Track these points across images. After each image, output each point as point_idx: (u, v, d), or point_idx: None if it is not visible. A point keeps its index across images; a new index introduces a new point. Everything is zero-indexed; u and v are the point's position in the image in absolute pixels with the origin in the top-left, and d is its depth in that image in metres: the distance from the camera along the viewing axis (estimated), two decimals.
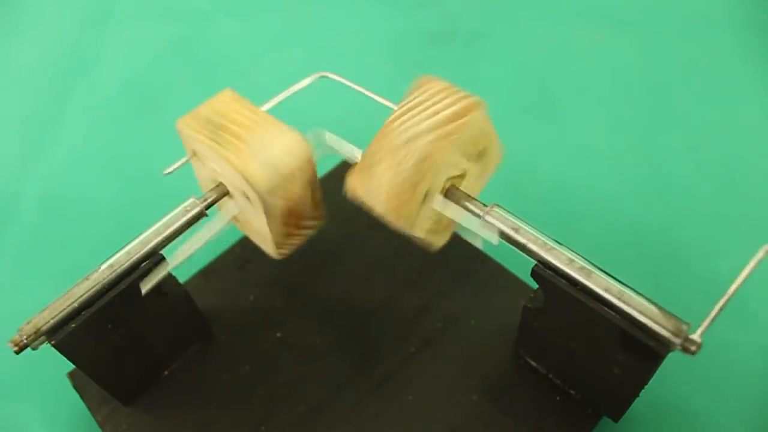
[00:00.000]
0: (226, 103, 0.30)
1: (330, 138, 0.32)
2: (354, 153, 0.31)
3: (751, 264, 0.21)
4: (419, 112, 0.27)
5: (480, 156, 0.29)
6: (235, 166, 0.28)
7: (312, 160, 0.29)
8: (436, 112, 0.26)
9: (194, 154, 0.30)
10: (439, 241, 0.31)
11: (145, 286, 0.28)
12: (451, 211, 0.28)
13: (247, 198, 0.29)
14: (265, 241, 0.31)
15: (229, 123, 0.29)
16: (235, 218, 0.33)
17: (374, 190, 0.27)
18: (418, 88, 0.28)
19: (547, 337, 0.30)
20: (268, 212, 0.29)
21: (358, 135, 0.31)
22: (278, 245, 0.31)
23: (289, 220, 0.30)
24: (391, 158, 0.26)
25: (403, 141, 0.26)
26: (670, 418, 0.33)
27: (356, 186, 0.28)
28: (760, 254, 0.18)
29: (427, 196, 0.27)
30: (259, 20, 0.61)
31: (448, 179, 0.28)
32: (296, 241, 0.32)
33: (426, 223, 0.29)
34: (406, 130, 0.26)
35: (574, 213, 0.43)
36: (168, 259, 0.29)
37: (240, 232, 0.35)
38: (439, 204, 0.28)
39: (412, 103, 0.27)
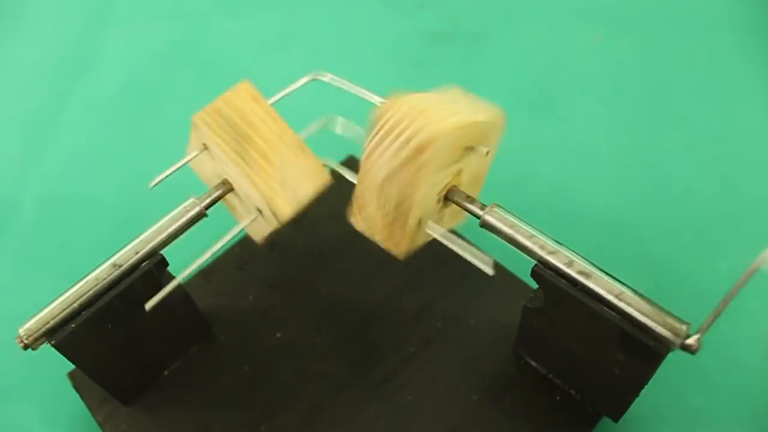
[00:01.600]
0: (245, 101, 0.30)
1: (342, 124, 0.32)
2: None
3: (746, 274, 0.21)
4: (389, 145, 0.26)
5: (468, 150, 0.29)
6: (262, 192, 0.28)
7: (254, 92, 0.30)
8: (406, 142, 0.25)
9: (206, 147, 0.30)
10: (415, 242, 0.30)
11: (152, 303, 0.28)
12: (446, 238, 0.28)
13: (259, 211, 0.30)
14: (257, 201, 0.30)
15: (254, 133, 0.29)
16: (229, 203, 0.33)
17: (371, 229, 0.29)
18: (384, 114, 0.26)
19: (547, 337, 0.30)
20: (213, 134, 0.29)
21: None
22: (267, 196, 0.30)
23: (254, 152, 0.30)
24: (375, 200, 0.28)
25: (381, 181, 0.27)
26: (670, 418, 0.33)
27: (357, 225, 0.30)
28: (755, 264, 0.18)
29: (421, 222, 0.28)
30: (259, 20, 0.61)
31: (443, 187, 0.28)
32: (289, 193, 0.30)
33: (426, 217, 0.29)
34: (380, 168, 0.27)
35: (574, 213, 0.43)
36: (179, 272, 0.29)
37: (240, 232, 0.35)
38: (433, 231, 0.29)
39: (381, 134, 0.26)
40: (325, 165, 0.33)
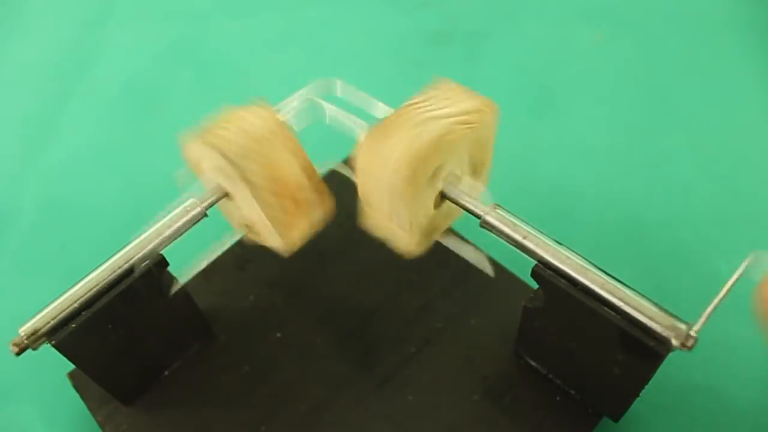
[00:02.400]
0: (272, 136, 0.29)
1: (342, 88, 0.32)
2: (370, 103, 0.31)
3: (739, 271, 0.21)
4: (437, 101, 0.27)
5: (473, 170, 0.30)
6: (209, 143, 0.27)
7: (286, 129, 0.29)
8: (455, 103, 0.27)
9: (226, 193, 0.31)
10: (424, 243, 0.30)
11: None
12: (457, 194, 0.28)
13: (230, 178, 0.29)
14: (270, 234, 0.31)
15: (218, 122, 0.29)
16: (246, 226, 0.33)
17: (386, 151, 0.26)
18: (434, 87, 0.28)
19: (547, 337, 0.30)
20: (252, 185, 0.28)
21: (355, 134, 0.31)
22: (283, 235, 0.30)
23: (281, 197, 0.29)
24: (409, 128, 0.26)
25: (423, 119, 0.27)
26: (670, 418, 0.33)
27: (372, 137, 0.27)
28: (747, 261, 0.18)
29: (433, 176, 0.27)
30: (259, 20, 0.61)
31: (450, 174, 0.28)
32: (300, 229, 0.31)
33: (423, 217, 0.29)
34: (426, 112, 0.27)
35: (574, 213, 0.43)
36: (179, 272, 0.30)
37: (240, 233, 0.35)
38: (447, 187, 0.28)
39: (429, 95, 0.28)
40: (325, 165, 0.33)
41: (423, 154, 0.26)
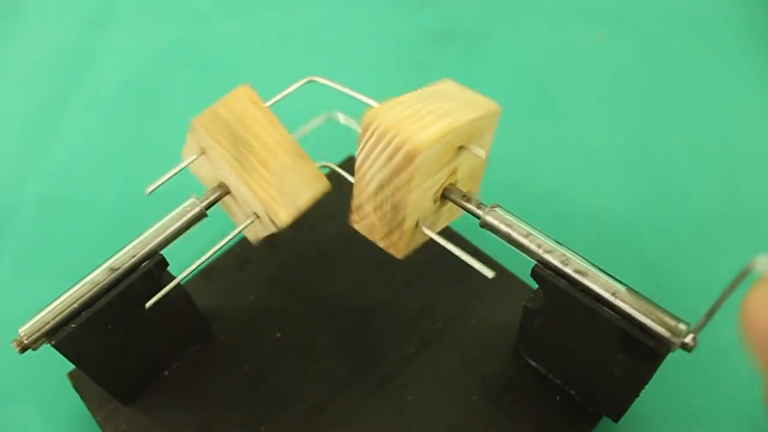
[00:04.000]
0: (245, 105, 0.30)
1: (343, 117, 0.32)
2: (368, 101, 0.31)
3: (739, 277, 0.21)
4: (378, 155, 0.26)
5: (460, 150, 0.29)
6: (260, 200, 0.28)
7: (253, 96, 0.30)
8: (395, 151, 0.25)
9: (203, 152, 0.30)
10: (411, 244, 0.30)
11: (151, 301, 0.29)
12: (445, 240, 0.28)
13: (256, 215, 0.30)
14: (255, 206, 0.30)
15: (253, 139, 0.29)
16: (225, 205, 0.33)
17: (370, 231, 0.29)
18: (372, 122, 0.26)
19: (547, 337, 0.30)
20: (212, 139, 0.29)
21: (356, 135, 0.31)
22: (265, 202, 0.30)
23: (253, 158, 0.30)
24: (372, 204, 0.28)
25: (374, 188, 0.27)
26: (670, 418, 0.33)
27: (357, 227, 0.30)
28: (747, 267, 0.18)
29: (418, 223, 0.28)
30: (259, 20, 0.61)
31: (439, 188, 0.28)
32: (287, 200, 0.30)
33: (421, 210, 0.29)
34: (372, 177, 0.27)
35: (574, 213, 0.43)
36: (179, 272, 0.30)
37: (240, 233, 0.35)
38: (432, 234, 0.29)
39: (370, 143, 0.26)
40: (324, 166, 0.33)
41: (395, 225, 0.27)
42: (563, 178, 0.45)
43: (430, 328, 0.35)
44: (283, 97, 0.32)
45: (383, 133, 0.25)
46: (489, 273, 0.26)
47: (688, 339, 0.23)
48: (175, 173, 0.29)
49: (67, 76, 0.57)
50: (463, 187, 0.30)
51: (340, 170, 0.33)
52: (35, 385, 0.37)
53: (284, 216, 0.29)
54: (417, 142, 0.24)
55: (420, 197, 0.27)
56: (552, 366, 0.32)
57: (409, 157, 0.25)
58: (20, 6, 0.65)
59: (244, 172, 0.28)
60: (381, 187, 0.27)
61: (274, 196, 0.29)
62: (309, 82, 0.33)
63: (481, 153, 0.27)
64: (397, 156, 0.25)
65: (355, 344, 0.35)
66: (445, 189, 0.28)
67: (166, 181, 0.29)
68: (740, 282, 0.20)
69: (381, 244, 0.29)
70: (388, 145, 0.25)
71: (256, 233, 0.32)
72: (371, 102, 0.30)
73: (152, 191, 0.29)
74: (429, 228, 0.29)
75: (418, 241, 0.29)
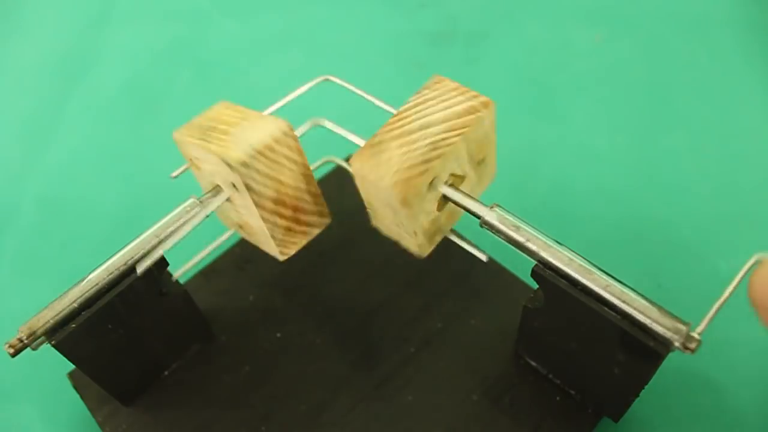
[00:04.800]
0: (219, 111, 0.30)
1: (331, 127, 0.32)
2: (355, 140, 0.31)
3: (741, 274, 0.21)
4: (432, 105, 0.27)
5: (479, 164, 0.30)
6: (214, 152, 0.27)
7: (295, 141, 0.29)
8: (449, 107, 0.27)
9: (191, 161, 0.30)
10: (429, 246, 0.31)
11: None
12: (458, 197, 0.28)
13: (236, 188, 0.29)
14: (266, 240, 0.31)
15: (219, 124, 0.29)
16: (239, 227, 0.33)
17: (384, 162, 0.27)
18: (430, 86, 0.28)
19: (547, 337, 0.30)
20: (254, 194, 0.28)
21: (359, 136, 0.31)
22: (279, 243, 0.30)
23: (282, 208, 0.29)
24: (404, 138, 0.27)
25: (417, 127, 0.27)
26: (670, 418, 0.33)
27: (363, 160, 0.27)
28: (750, 263, 0.19)
29: (432, 183, 0.27)
30: (259, 20, 0.61)
31: (451, 175, 0.28)
32: (297, 239, 0.31)
33: (425, 218, 0.29)
34: (419, 118, 0.27)
35: (574, 213, 0.43)
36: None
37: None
38: (446, 191, 0.28)
39: (424, 98, 0.28)
40: (328, 161, 0.33)
41: (419, 162, 0.26)
42: (563, 178, 0.45)
43: (430, 328, 0.35)
44: (296, 96, 0.32)
45: (453, 88, 0.28)
46: (483, 256, 0.27)
47: (692, 345, 0.23)
48: (184, 170, 0.30)
49: (67, 76, 0.57)
50: (477, 155, 0.30)
51: (344, 164, 0.33)
52: (35, 385, 0.37)
53: (235, 152, 0.27)
54: (487, 99, 0.27)
55: (457, 154, 0.28)
56: (552, 366, 0.32)
57: (481, 105, 0.27)
58: (20, 6, 0.65)
59: (206, 144, 0.28)
60: (428, 125, 0.27)
61: (226, 143, 0.28)
62: (324, 81, 0.33)
63: (444, 190, 0.28)
64: (468, 103, 0.27)
65: (355, 344, 0.35)
66: (443, 195, 0.28)
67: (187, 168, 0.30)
68: (741, 280, 0.20)
69: (389, 182, 0.27)
70: (456, 96, 0.27)
71: (269, 241, 0.31)
72: (383, 105, 0.30)
73: (178, 175, 0.30)
74: (444, 225, 0.30)
75: (422, 205, 0.29)
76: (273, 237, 0.30)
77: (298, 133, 0.30)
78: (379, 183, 0.26)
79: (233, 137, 0.28)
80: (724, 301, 0.22)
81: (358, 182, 0.28)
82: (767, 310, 0.20)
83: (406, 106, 0.28)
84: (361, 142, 0.30)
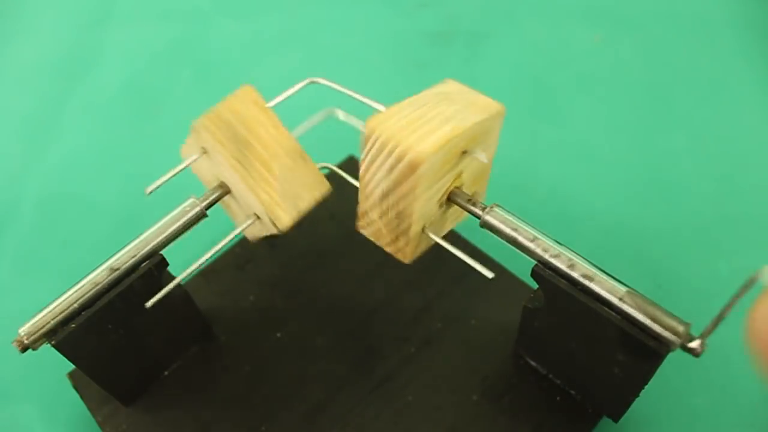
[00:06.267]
0: (247, 106, 0.29)
1: (344, 115, 0.32)
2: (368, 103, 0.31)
3: (743, 288, 0.21)
4: (381, 164, 0.26)
5: (464, 154, 0.29)
6: (262, 202, 0.29)
7: (258, 99, 0.29)
8: (397, 161, 0.25)
9: (205, 152, 0.30)
10: (420, 250, 0.30)
11: (151, 300, 0.29)
12: (458, 194, 0.28)
13: (257, 216, 0.30)
14: (257, 209, 0.31)
15: (255, 140, 0.29)
16: (226, 204, 0.33)
17: (377, 234, 0.29)
18: (374, 130, 0.26)
19: (547, 337, 0.30)
20: (216, 142, 0.29)
21: (357, 134, 0.31)
22: (268, 205, 0.30)
23: (257, 162, 0.29)
24: (377, 210, 0.28)
25: (379, 197, 0.27)
26: (670, 418, 0.33)
27: (363, 232, 0.30)
28: (752, 279, 0.18)
29: (425, 228, 0.28)
30: (259, 21, 0.61)
31: (444, 192, 0.28)
32: (289, 203, 0.31)
33: (427, 217, 0.29)
34: (377, 186, 0.27)
35: (574, 213, 0.43)
36: (179, 272, 0.30)
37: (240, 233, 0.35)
38: (436, 238, 0.29)
39: (373, 152, 0.26)
40: (324, 167, 0.33)
41: (401, 232, 0.27)
42: (563, 178, 0.45)
43: (430, 328, 0.35)
44: (285, 98, 0.32)
45: (384, 143, 0.25)
46: (489, 273, 0.27)
47: (696, 344, 0.23)
48: (176, 173, 0.29)
49: (67, 76, 0.57)
50: (470, 188, 0.30)
51: (340, 171, 0.33)
52: (35, 385, 0.37)
53: (286, 219, 0.29)
54: (418, 152, 0.24)
55: (425, 204, 0.27)
56: (552, 366, 0.32)
57: (412, 168, 0.25)
58: (20, 6, 0.65)
59: (246, 175, 0.28)
60: (385, 196, 0.27)
61: (276, 199, 0.29)
62: (310, 83, 0.33)
63: (484, 158, 0.27)
64: (400, 166, 0.25)
65: (355, 344, 0.35)
66: (450, 192, 0.28)
67: (166, 180, 0.29)
68: (747, 290, 0.20)
69: (388, 250, 0.29)
70: (389, 156, 0.25)
71: (255, 233, 0.32)
72: (371, 103, 0.30)
73: (153, 191, 0.29)
74: (436, 232, 0.29)
75: (425, 245, 0.29)
76: (258, 191, 0.29)
77: (312, 122, 0.32)
78: (379, 243, 0.28)
79: (279, 184, 0.29)
80: (729, 308, 0.22)
81: (370, 147, 0.26)
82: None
83: (362, 170, 0.27)
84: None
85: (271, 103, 0.31)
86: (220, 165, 0.29)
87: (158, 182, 0.29)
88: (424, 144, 0.25)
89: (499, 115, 0.28)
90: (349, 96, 0.31)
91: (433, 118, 0.26)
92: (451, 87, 0.28)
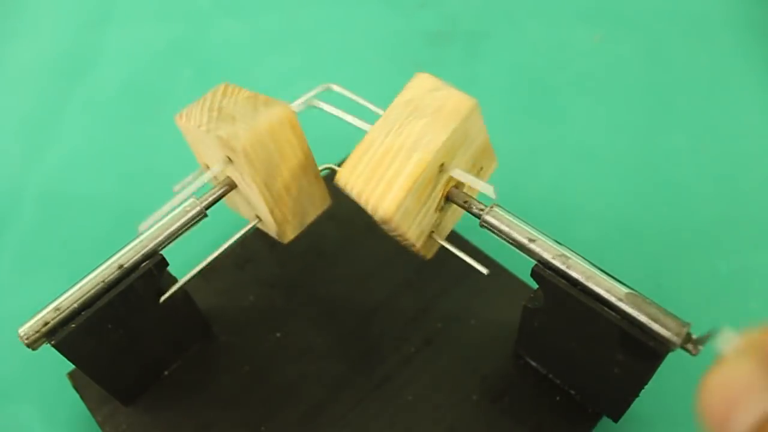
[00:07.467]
0: (283, 128, 0.29)
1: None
2: (367, 104, 0.32)
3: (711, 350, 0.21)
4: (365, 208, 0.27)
5: (478, 174, 0.30)
6: (276, 220, 0.30)
7: (295, 123, 0.29)
8: (374, 213, 0.27)
9: (230, 161, 0.30)
10: (434, 247, 0.31)
11: (165, 295, 0.30)
12: (457, 195, 0.28)
13: (259, 219, 0.31)
14: (269, 223, 0.31)
15: (283, 164, 0.29)
16: (256, 216, 0.33)
17: (372, 196, 0.28)
18: (344, 190, 0.27)
19: (547, 337, 0.30)
20: (251, 167, 0.28)
21: (357, 138, 0.31)
22: (279, 223, 0.31)
23: (280, 183, 0.30)
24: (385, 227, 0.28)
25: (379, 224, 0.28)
26: (670, 418, 0.33)
27: (351, 188, 0.28)
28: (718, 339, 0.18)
29: (432, 234, 0.29)
30: (259, 20, 0.61)
31: (440, 199, 0.28)
32: (297, 220, 0.31)
33: (427, 223, 0.29)
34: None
35: (574, 213, 0.43)
36: (179, 272, 0.30)
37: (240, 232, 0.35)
38: (441, 241, 0.30)
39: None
40: (326, 168, 0.33)
41: (426, 165, 0.26)
42: (563, 178, 0.45)
43: (430, 328, 0.35)
44: (300, 101, 0.32)
45: (358, 196, 0.27)
46: (483, 270, 0.27)
47: (691, 345, 0.23)
48: (202, 183, 0.30)
49: (67, 76, 0.57)
50: (475, 168, 0.30)
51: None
52: (35, 385, 0.37)
53: (291, 235, 0.31)
54: (385, 209, 0.26)
55: (418, 226, 0.28)
56: (552, 366, 0.32)
57: (386, 220, 0.26)
58: (20, 6, 0.65)
59: (269, 197, 0.29)
60: (382, 225, 0.27)
61: (288, 218, 0.30)
62: (326, 89, 0.33)
63: (462, 176, 0.27)
64: (377, 217, 0.26)
65: (355, 344, 0.35)
66: (448, 193, 0.28)
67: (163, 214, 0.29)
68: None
69: (414, 251, 0.30)
70: (366, 206, 0.27)
71: (269, 220, 0.32)
72: (381, 112, 0.30)
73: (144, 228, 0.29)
74: (444, 228, 0.30)
75: (436, 246, 0.31)
76: (273, 215, 0.30)
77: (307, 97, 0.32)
78: (366, 195, 0.27)
79: (293, 204, 0.30)
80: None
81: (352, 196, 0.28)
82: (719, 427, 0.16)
83: (378, 128, 0.28)
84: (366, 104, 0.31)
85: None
86: (245, 182, 0.29)
87: (152, 218, 0.29)
88: (390, 196, 0.26)
89: (473, 112, 0.27)
90: (353, 100, 0.31)
91: (399, 152, 0.26)
92: (420, 86, 0.28)
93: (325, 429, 0.32)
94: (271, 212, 0.30)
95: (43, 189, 0.48)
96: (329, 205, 0.33)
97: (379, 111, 0.31)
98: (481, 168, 0.31)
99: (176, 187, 0.30)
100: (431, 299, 0.36)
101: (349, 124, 0.31)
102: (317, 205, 0.32)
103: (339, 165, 0.34)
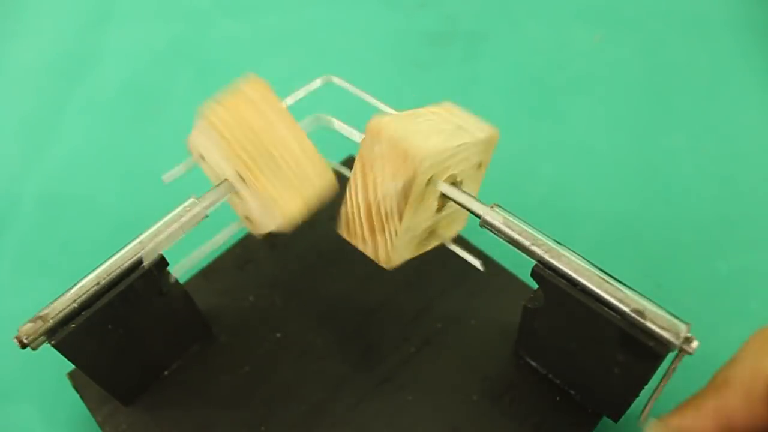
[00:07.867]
0: (261, 94, 0.29)
1: (338, 126, 0.32)
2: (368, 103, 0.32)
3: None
4: (361, 221, 0.28)
5: (479, 167, 0.30)
6: (270, 196, 0.29)
7: (267, 90, 0.30)
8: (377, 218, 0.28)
9: (202, 158, 0.30)
10: (409, 254, 0.31)
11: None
12: (457, 193, 0.28)
13: (248, 219, 0.31)
14: (269, 209, 0.31)
15: (273, 148, 0.29)
16: (247, 218, 0.33)
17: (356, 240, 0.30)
18: (350, 189, 0.28)
19: (547, 337, 0.30)
20: (237, 159, 0.29)
21: (357, 138, 0.31)
22: (279, 207, 0.30)
23: (271, 167, 0.30)
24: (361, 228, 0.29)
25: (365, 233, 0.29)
26: None
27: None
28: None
29: (431, 179, 0.28)
30: (259, 20, 0.61)
31: (448, 176, 0.28)
32: (291, 194, 0.31)
33: (424, 221, 0.29)
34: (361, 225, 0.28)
35: (574, 213, 0.43)
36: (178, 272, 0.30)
37: (240, 232, 0.35)
38: (446, 189, 0.29)
39: (351, 205, 0.29)
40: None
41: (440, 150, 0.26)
42: (563, 178, 0.45)
43: (430, 328, 0.35)
44: (300, 97, 0.32)
45: (363, 199, 0.28)
46: (477, 263, 0.27)
47: (694, 345, 0.23)
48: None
49: (67, 76, 0.57)
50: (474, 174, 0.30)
51: (341, 169, 0.33)
52: (35, 385, 0.37)
53: (294, 209, 0.30)
54: (384, 263, 0.28)
55: (413, 228, 0.28)
56: (552, 366, 0.32)
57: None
58: (20, 6, 0.65)
59: (255, 169, 0.28)
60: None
61: (281, 193, 0.29)
62: (326, 83, 0.33)
63: (445, 188, 0.28)
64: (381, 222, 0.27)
65: (355, 344, 0.35)
66: (442, 193, 0.28)
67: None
68: None
69: (369, 255, 0.31)
70: (370, 213, 0.28)
71: (259, 228, 0.32)
72: (383, 107, 0.30)
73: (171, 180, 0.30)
74: (448, 229, 0.31)
75: (410, 253, 0.31)
76: (267, 195, 0.29)
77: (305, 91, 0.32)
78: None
79: (296, 180, 0.30)
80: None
81: (371, 145, 0.27)
82: None
83: (344, 211, 0.29)
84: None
85: (288, 101, 0.31)
86: (223, 160, 0.29)
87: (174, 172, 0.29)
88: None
89: (491, 138, 0.29)
90: (359, 97, 0.31)
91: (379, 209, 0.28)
92: (443, 114, 0.29)
93: (325, 429, 0.32)
94: (262, 186, 0.28)
95: (43, 189, 0.48)
96: (336, 188, 0.31)
97: (378, 103, 0.31)
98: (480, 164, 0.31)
99: (166, 176, 0.30)
100: (431, 299, 0.36)
101: (353, 116, 0.31)
102: (315, 182, 0.30)
103: (341, 163, 0.34)
